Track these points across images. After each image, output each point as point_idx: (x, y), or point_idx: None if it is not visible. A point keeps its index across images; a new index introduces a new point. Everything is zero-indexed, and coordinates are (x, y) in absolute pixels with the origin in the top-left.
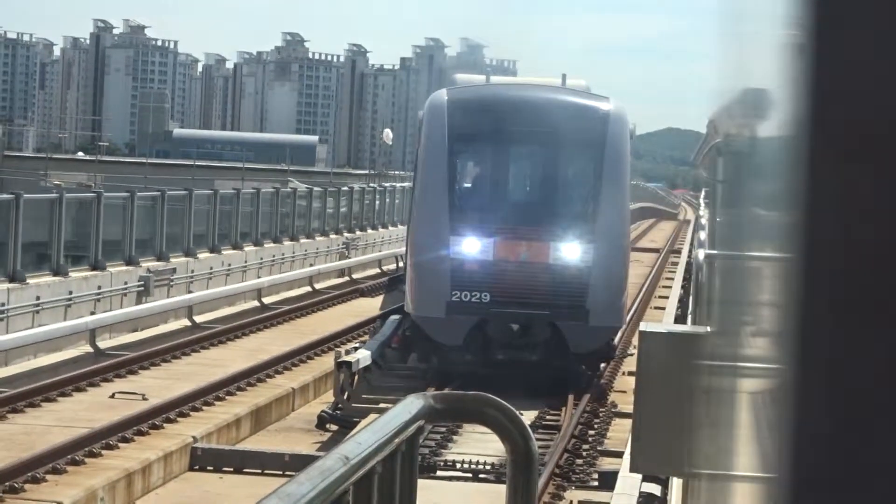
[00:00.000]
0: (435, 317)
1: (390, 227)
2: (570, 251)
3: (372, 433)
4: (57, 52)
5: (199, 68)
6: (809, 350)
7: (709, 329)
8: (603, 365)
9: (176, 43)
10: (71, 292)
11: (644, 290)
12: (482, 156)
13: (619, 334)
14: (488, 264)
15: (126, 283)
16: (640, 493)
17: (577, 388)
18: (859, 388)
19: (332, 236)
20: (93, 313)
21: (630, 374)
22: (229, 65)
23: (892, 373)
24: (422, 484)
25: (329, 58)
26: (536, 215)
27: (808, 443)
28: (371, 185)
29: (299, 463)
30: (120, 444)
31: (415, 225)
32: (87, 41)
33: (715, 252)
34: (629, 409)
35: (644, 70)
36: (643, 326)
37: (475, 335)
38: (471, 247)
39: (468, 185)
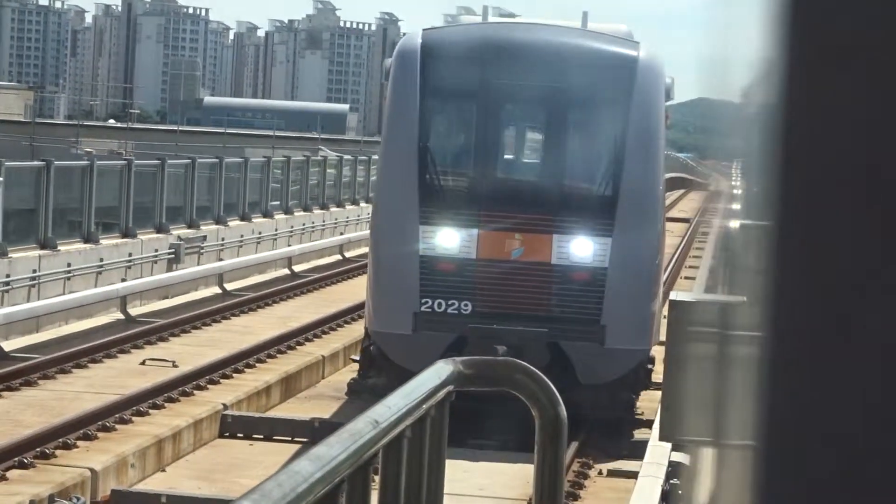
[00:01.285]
0: (399, 333)
1: None
2: (581, 247)
3: (401, 397)
4: (88, 19)
5: (231, 36)
6: (818, 317)
7: (740, 298)
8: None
9: (207, 10)
10: (102, 259)
11: (675, 259)
12: (464, 118)
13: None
14: (469, 264)
15: (156, 250)
16: (670, 461)
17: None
18: (878, 354)
19: (363, 205)
20: (123, 280)
21: (660, 343)
22: (261, 33)
23: None
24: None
25: (360, 26)
26: (535, 198)
27: (816, 413)
28: None
29: (329, 430)
30: (150, 411)
31: (375, 210)
32: (119, 8)
33: (746, 222)
34: (659, 378)
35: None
36: (674, 295)
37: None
38: (447, 240)
39: (445, 157)
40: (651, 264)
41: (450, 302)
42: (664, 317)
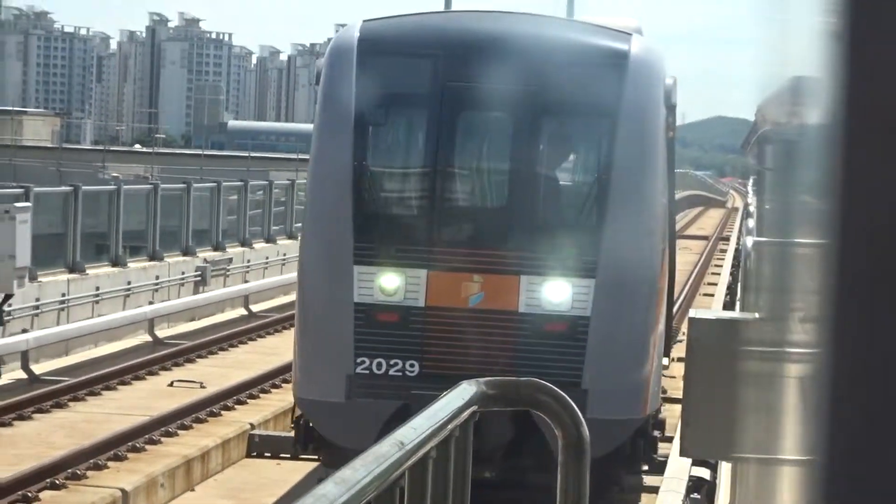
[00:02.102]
0: (329, 401)
1: None
2: (556, 291)
3: (426, 419)
4: (113, 45)
5: (254, 60)
6: (843, 335)
7: (757, 315)
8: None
9: (230, 35)
10: (129, 282)
11: (693, 276)
12: (411, 130)
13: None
14: (416, 313)
15: (183, 273)
16: (690, 476)
17: None
18: (891, 372)
19: None
20: (151, 303)
21: (680, 360)
22: (283, 57)
23: None
24: None
25: None
26: (499, 230)
27: (841, 427)
28: None
29: (355, 451)
30: (179, 432)
31: (301, 246)
32: (143, 34)
33: (763, 239)
34: (679, 394)
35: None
36: (692, 313)
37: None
38: (388, 283)
39: (387, 179)
40: (646, 311)
41: (392, 362)
42: (681, 339)
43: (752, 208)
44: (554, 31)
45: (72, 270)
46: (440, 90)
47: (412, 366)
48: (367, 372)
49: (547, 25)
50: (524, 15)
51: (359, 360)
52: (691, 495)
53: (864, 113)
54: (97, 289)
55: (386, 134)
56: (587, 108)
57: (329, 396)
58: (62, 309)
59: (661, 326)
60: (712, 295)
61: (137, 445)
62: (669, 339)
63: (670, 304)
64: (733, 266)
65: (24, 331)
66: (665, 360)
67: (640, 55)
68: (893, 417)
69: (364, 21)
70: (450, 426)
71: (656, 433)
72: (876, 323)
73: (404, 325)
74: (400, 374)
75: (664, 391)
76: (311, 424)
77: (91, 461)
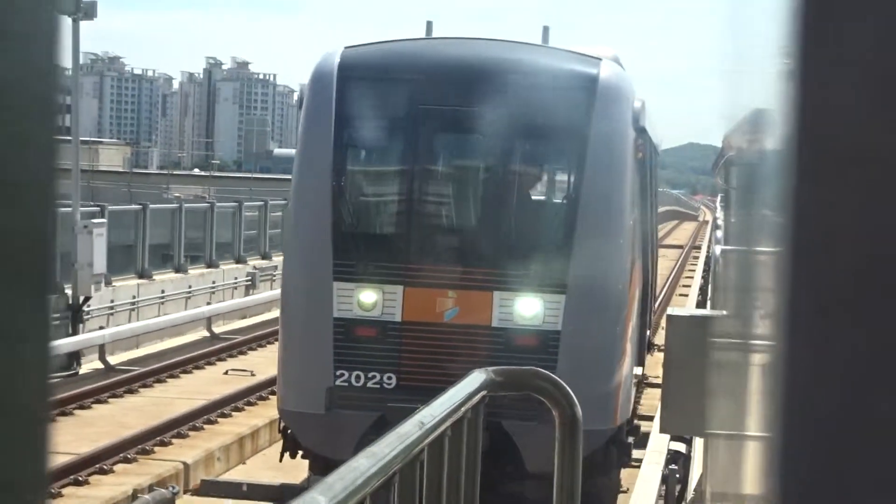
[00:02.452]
0: (310, 413)
1: None
2: (528, 306)
3: (442, 403)
4: (175, 85)
5: (295, 97)
6: (794, 331)
7: (724, 313)
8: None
9: (275, 76)
10: (190, 286)
11: (670, 280)
12: (388, 152)
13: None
14: (393, 328)
15: (236, 278)
16: (669, 450)
17: None
18: (836, 361)
19: None
20: (208, 304)
21: (660, 350)
22: None
23: (857, 353)
24: None
25: None
26: (472, 248)
27: (793, 409)
28: None
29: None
30: (232, 413)
31: (284, 263)
32: (201, 76)
33: (729, 248)
34: (659, 380)
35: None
36: (670, 311)
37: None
38: (366, 299)
39: (364, 199)
40: (615, 325)
41: (370, 374)
42: (657, 342)
43: (720, 221)
44: (526, 57)
45: (141, 276)
46: (415, 113)
47: (389, 378)
48: (347, 384)
49: (520, 51)
50: (498, 41)
51: (338, 372)
52: (669, 466)
53: (812, 141)
54: (162, 292)
55: (364, 156)
56: (557, 130)
57: (310, 408)
58: (133, 309)
59: (632, 338)
60: (687, 295)
61: (197, 425)
62: (643, 349)
63: (644, 314)
64: (704, 270)
65: (101, 328)
66: (639, 370)
67: (609, 79)
68: (834, 399)
69: (346, 48)
70: (463, 409)
71: (631, 439)
72: (822, 318)
73: (382, 339)
74: (378, 386)
75: (646, 377)
76: (290, 438)
77: (158, 438)
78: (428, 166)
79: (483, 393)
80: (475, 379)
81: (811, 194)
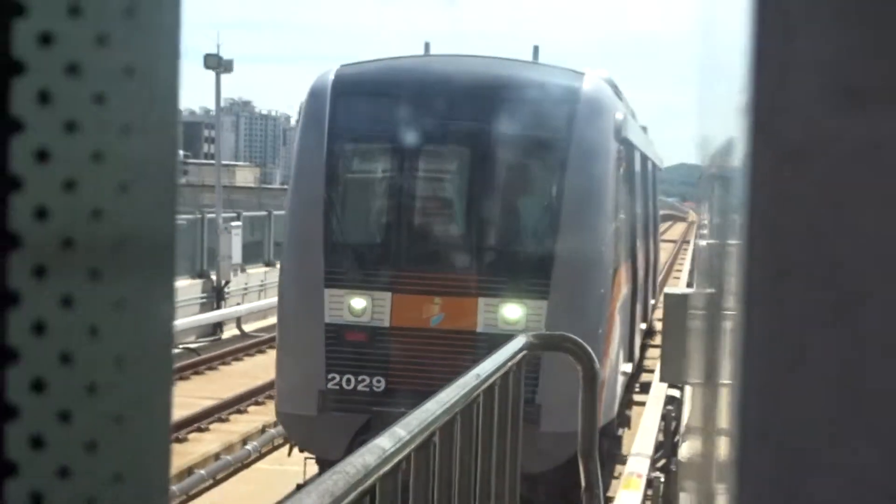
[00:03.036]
0: (303, 414)
1: None
2: (512, 312)
3: (493, 360)
4: (292, 122)
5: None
6: (752, 302)
7: (705, 291)
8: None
9: None
10: None
11: (667, 266)
12: (378, 164)
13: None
14: (382, 333)
15: None
16: (666, 395)
17: None
18: (784, 329)
19: None
20: None
21: (659, 320)
22: None
23: (802, 318)
24: None
25: None
26: (458, 256)
27: (749, 360)
28: None
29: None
30: None
31: (281, 270)
32: None
33: (706, 242)
34: (659, 342)
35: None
36: (667, 290)
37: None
38: (356, 305)
39: (355, 209)
40: (595, 329)
41: (360, 378)
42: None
43: (703, 222)
44: (512, 71)
45: (267, 265)
46: (403, 127)
47: (378, 382)
48: (338, 387)
49: (506, 66)
50: (484, 58)
51: (329, 376)
52: (667, 407)
53: (765, 162)
54: None
55: (355, 168)
56: (541, 142)
57: (302, 410)
58: (261, 290)
59: (619, 339)
60: (679, 277)
61: None
62: (633, 346)
63: (635, 311)
64: (692, 259)
65: (238, 304)
66: (629, 367)
67: (591, 92)
68: (785, 354)
69: (341, 65)
70: (509, 364)
71: (621, 431)
72: (773, 293)
73: (371, 343)
74: (367, 389)
75: (652, 338)
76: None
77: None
78: (415, 177)
79: (524, 352)
80: (518, 341)
81: (765, 186)
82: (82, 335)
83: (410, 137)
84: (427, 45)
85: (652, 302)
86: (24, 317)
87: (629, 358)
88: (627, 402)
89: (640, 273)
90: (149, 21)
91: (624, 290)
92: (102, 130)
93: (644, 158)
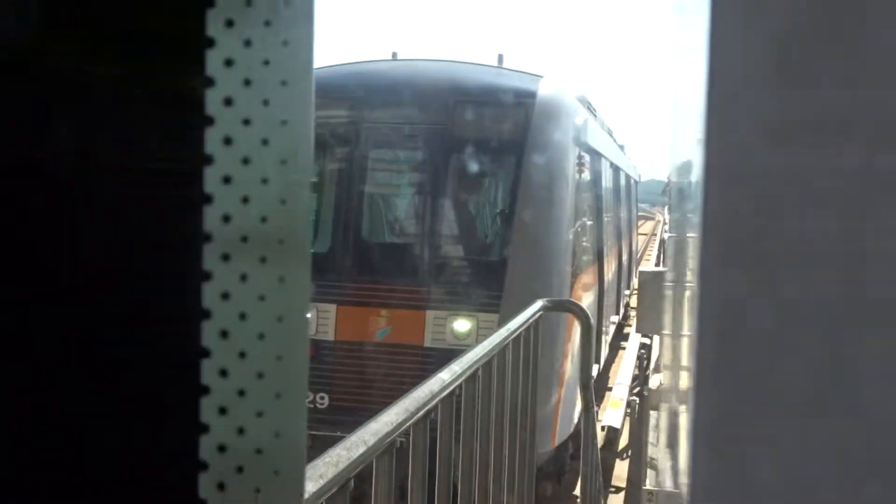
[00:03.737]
0: None
1: None
2: (462, 326)
3: (519, 319)
4: None
5: None
6: (704, 284)
7: (666, 269)
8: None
9: None
10: None
11: (642, 252)
12: (326, 170)
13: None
14: (327, 346)
15: None
16: (640, 343)
17: None
18: (730, 298)
19: None
20: None
21: (635, 291)
22: None
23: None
24: None
25: None
26: (405, 267)
27: (703, 320)
28: None
29: None
30: None
31: None
32: None
33: (668, 235)
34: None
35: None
36: (641, 268)
37: None
38: None
39: None
40: (552, 345)
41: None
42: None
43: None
44: (465, 74)
45: None
46: (351, 131)
47: (322, 398)
48: None
49: (460, 69)
50: (435, 61)
51: None
52: (640, 351)
53: (714, 184)
54: None
55: None
56: (494, 146)
57: None
58: None
59: (571, 356)
60: (650, 260)
61: None
62: (589, 364)
63: (600, 318)
64: (659, 248)
65: None
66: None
67: (547, 95)
68: (732, 316)
69: None
70: (529, 321)
71: (568, 461)
72: (720, 273)
73: (315, 358)
74: (311, 405)
75: (629, 304)
76: None
77: None
78: (362, 184)
79: (540, 313)
80: (536, 304)
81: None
82: (254, 301)
83: (356, 142)
84: (395, 55)
85: (626, 293)
86: (214, 288)
87: (597, 359)
88: (613, 350)
89: (610, 276)
90: (296, 89)
91: (587, 297)
92: (266, 163)
93: (616, 168)
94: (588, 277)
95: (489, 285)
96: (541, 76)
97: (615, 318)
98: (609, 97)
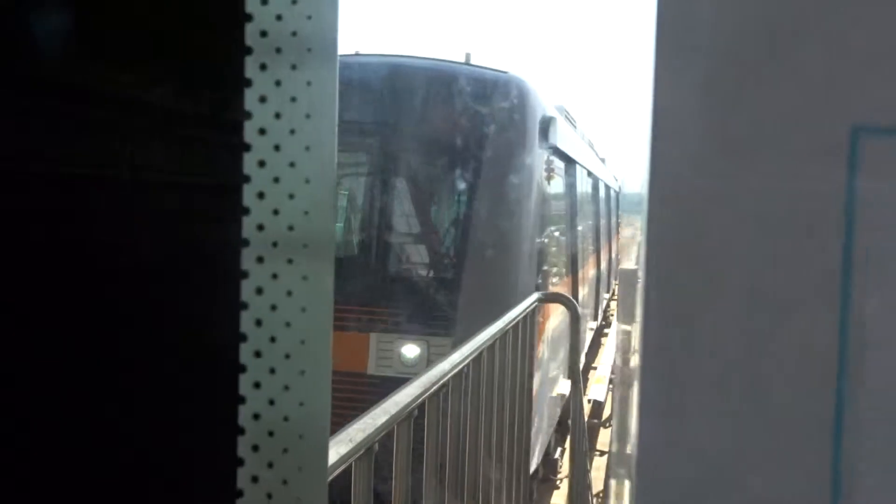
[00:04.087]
0: None
1: None
2: (408, 351)
3: (517, 308)
4: None
5: None
6: (649, 279)
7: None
8: None
9: None
10: None
11: (616, 255)
12: None
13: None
14: None
15: None
16: (622, 329)
17: None
18: (672, 290)
19: None
20: None
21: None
22: None
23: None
24: None
25: None
26: (350, 284)
27: (650, 303)
28: None
29: None
30: None
31: None
32: None
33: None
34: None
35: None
36: (621, 266)
37: None
38: None
39: None
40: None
41: None
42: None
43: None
44: (424, 71)
45: None
46: None
47: None
48: None
49: (418, 65)
50: (391, 56)
51: None
52: (622, 336)
53: (660, 191)
54: None
55: None
56: (449, 147)
57: None
58: None
59: (535, 383)
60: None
61: None
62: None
63: (578, 347)
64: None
65: None
66: (566, 387)
67: (515, 91)
68: (679, 305)
69: None
70: (526, 311)
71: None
72: (665, 270)
73: None
74: None
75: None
76: None
77: None
78: None
79: (535, 304)
80: (532, 298)
81: (656, 215)
82: (283, 295)
83: None
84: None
85: (606, 296)
86: (250, 284)
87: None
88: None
89: (586, 286)
90: (318, 121)
91: (553, 318)
92: (294, 182)
93: (594, 177)
94: (561, 290)
95: (442, 306)
96: (505, 72)
97: (593, 325)
98: (596, 114)
